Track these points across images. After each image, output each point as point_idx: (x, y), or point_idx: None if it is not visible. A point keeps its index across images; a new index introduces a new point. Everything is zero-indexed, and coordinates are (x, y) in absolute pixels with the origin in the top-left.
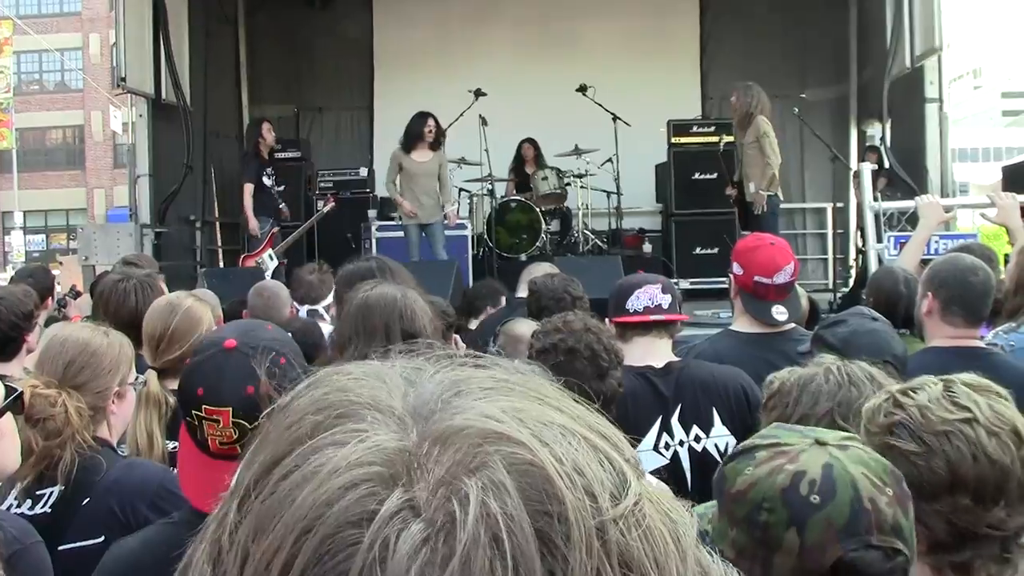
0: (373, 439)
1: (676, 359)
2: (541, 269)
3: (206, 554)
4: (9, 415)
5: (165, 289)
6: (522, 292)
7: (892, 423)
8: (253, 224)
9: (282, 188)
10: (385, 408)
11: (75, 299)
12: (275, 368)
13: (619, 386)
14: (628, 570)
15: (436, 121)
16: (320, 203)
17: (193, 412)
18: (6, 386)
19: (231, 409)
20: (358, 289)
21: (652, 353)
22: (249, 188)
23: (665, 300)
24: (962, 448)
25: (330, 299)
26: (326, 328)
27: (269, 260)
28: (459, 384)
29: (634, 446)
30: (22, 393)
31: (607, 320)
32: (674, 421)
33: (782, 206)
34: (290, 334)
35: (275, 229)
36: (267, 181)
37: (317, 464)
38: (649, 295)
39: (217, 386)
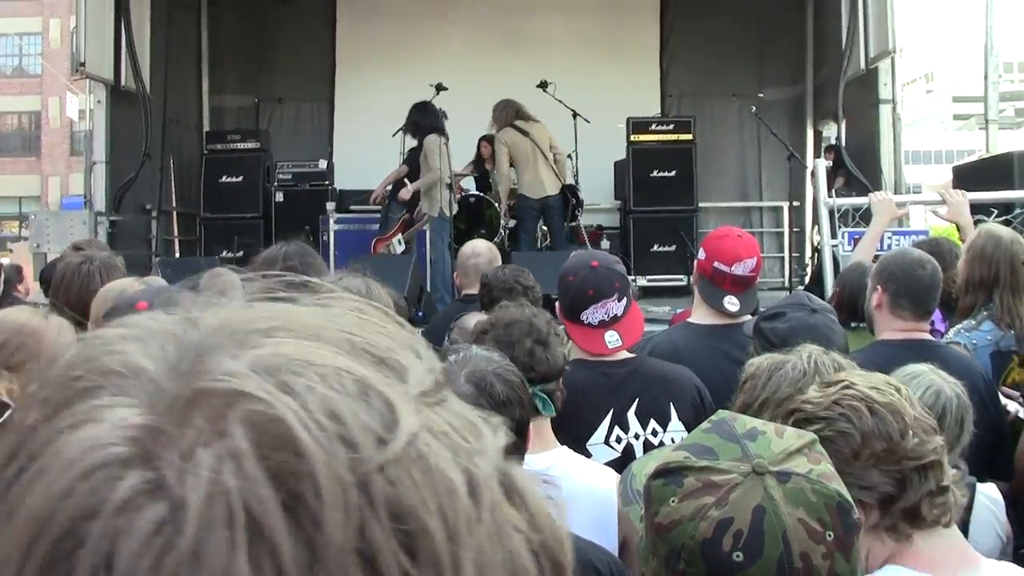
0: (113, 415)
1: (631, 355)
2: (473, 247)
3: None
4: None
5: (124, 271)
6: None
7: (798, 421)
8: (405, 192)
9: (240, 179)
10: (136, 373)
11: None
12: None
13: (565, 362)
14: (401, 522)
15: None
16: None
17: None
18: None
19: None
20: None
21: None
22: (404, 170)
23: (620, 307)
24: (854, 404)
25: None
26: None
27: (397, 245)
28: (223, 330)
29: (584, 440)
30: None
31: (559, 315)
32: (630, 415)
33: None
34: None
35: (406, 215)
36: None
37: (51, 454)
38: (605, 309)
39: None
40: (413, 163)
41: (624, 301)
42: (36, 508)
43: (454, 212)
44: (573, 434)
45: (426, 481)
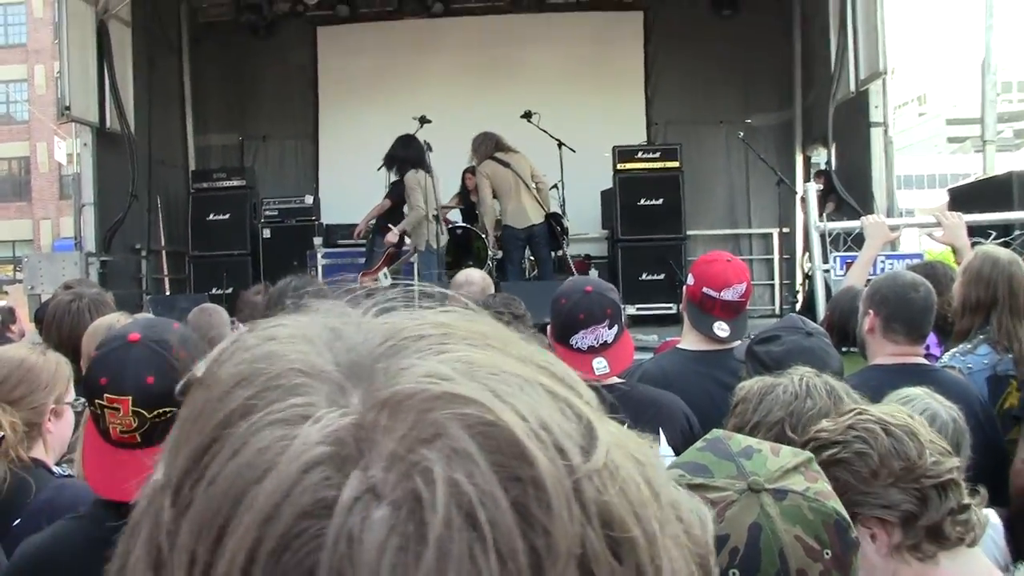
0: (316, 414)
1: (620, 381)
2: (466, 276)
3: (144, 560)
4: None
5: (114, 307)
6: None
7: (814, 449)
8: (391, 236)
9: (227, 216)
10: (319, 373)
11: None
12: (175, 360)
13: None
14: (610, 529)
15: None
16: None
17: (96, 401)
18: None
19: (131, 398)
20: None
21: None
22: (387, 204)
23: (611, 334)
24: (869, 426)
25: None
26: None
27: (384, 278)
28: (394, 336)
29: None
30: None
31: (549, 338)
32: None
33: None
34: None
35: (391, 249)
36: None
37: (258, 449)
38: (595, 335)
39: (119, 376)
40: (396, 197)
41: (615, 328)
42: (253, 504)
43: (442, 244)
44: None
45: (623, 490)
